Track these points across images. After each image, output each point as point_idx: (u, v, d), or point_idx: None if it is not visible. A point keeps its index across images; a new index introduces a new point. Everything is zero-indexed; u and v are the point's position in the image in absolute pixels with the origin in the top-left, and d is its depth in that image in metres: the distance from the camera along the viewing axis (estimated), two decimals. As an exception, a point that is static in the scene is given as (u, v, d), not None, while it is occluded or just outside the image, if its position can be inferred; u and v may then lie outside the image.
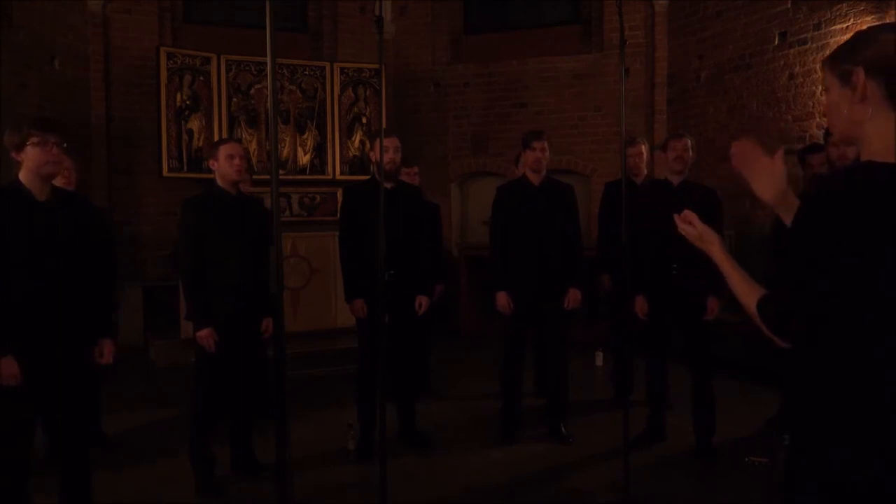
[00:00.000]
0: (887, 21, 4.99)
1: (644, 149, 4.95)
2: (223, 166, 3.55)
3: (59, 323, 2.73)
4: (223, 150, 3.57)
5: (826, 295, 1.28)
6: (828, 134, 4.10)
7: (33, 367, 2.67)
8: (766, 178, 1.58)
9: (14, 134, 2.67)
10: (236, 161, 3.53)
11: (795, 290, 1.33)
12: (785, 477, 1.38)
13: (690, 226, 1.68)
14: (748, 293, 1.44)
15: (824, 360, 1.31)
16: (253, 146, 7.01)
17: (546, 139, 4.24)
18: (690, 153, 4.01)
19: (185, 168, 6.67)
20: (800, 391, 1.37)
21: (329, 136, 7.26)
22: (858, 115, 1.32)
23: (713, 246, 1.62)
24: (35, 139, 2.65)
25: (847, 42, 1.37)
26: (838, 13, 5.42)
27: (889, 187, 1.24)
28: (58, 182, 2.92)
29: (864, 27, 1.37)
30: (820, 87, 5.47)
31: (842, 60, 1.35)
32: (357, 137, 7.38)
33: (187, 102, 6.69)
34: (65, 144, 2.74)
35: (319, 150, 7.27)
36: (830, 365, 1.30)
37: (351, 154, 7.37)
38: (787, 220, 1.52)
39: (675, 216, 1.69)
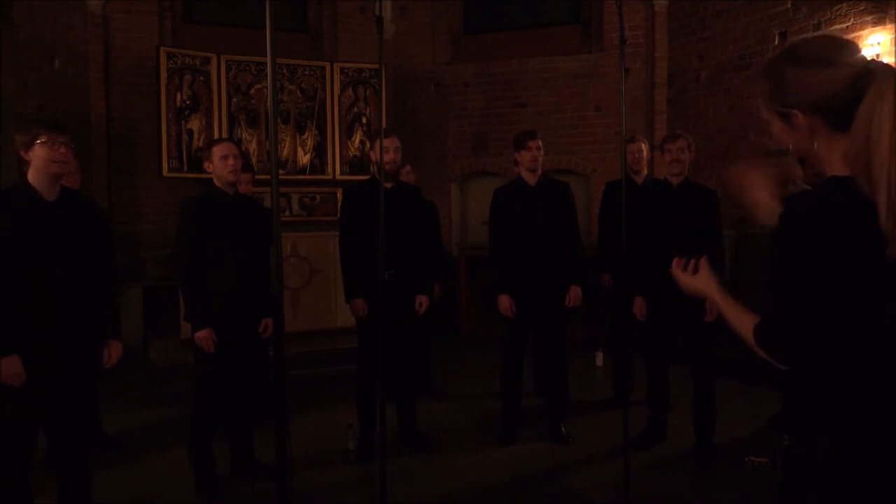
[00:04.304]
0: (886, 21, 4.99)
1: (644, 146, 4.95)
2: (217, 167, 3.55)
3: (63, 323, 2.74)
4: (216, 151, 3.56)
5: (820, 305, 1.30)
6: None
7: (36, 367, 2.68)
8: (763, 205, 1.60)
9: (24, 133, 2.71)
10: (230, 161, 3.53)
11: (792, 313, 1.34)
12: (784, 476, 1.39)
13: (685, 274, 1.69)
14: (744, 324, 1.45)
15: (819, 362, 1.33)
16: (253, 146, 7.01)
17: (539, 137, 4.24)
18: (688, 153, 4.00)
19: (185, 168, 6.67)
20: (798, 393, 1.38)
21: (329, 136, 7.25)
22: (807, 147, 1.37)
23: (709, 287, 1.62)
24: (43, 138, 2.68)
25: (772, 82, 1.37)
26: (838, 13, 5.42)
27: (859, 194, 1.27)
28: (64, 182, 2.94)
29: (779, 54, 1.38)
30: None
31: (773, 101, 1.37)
32: (357, 137, 7.38)
33: (187, 102, 6.68)
34: (73, 145, 2.78)
35: (319, 150, 7.27)
36: (824, 367, 1.32)
37: (351, 154, 7.36)
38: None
39: (674, 266, 1.70)
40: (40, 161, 2.69)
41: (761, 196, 1.61)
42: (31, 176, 2.73)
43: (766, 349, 1.40)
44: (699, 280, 1.63)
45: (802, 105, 1.33)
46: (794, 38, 1.38)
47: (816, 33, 1.33)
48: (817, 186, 1.35)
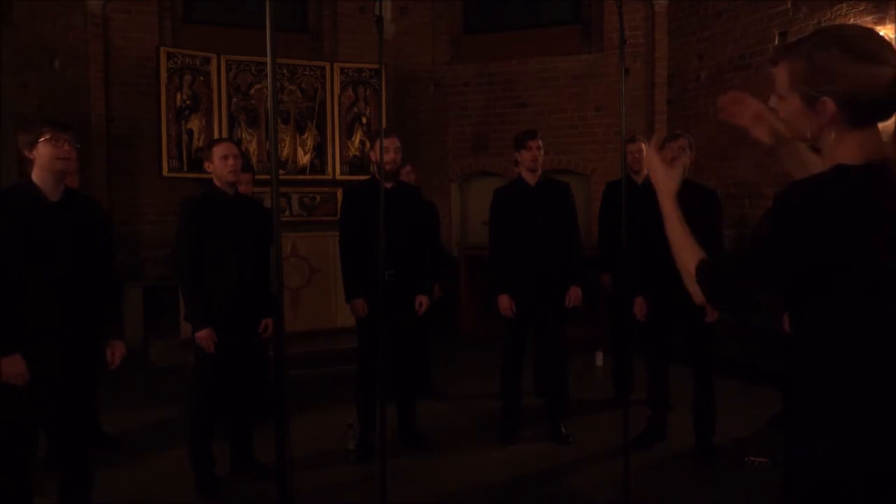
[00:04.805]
0: (886, 21, 4.99)
1: (644, 147, 4.95)
2: (218, 167, 3.55)
3: (63, 323, 2.74)
4: (217, 151, 3.57)
5: (807, 295, 1.30)
6: None
7: (37, 367, 2.68)
8: (759, 122, 1.60)
9: (27, 132, 2.72)
10: (230, 161, 3.53)
11: (756, 284, 1.36)
12: (784, 476, 1.39)
13: (659, 158, 1.67)
14: (689, 252, 1.47)
15: (819, 362, 1.33)
16: (253, 146, 7.01)
17: (539, 137, 4.24)
18: (688, 153, 4.00)
19: (185, 168, 6.66)
20: (798, 393, 1.38)
21: (329, 136, 7.25)
22: (822, 135, 1.36)
23: (668, 186, 1.60)
24: (47, 135, 2.69)
25: (809, 63, 1.34)
26: (838, 13, 5.42)
27: (862, 186, 1.27)
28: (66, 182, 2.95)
29: (826, 38, 1.34)
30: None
31: (805, 83, 1.34)
32: (357, 137, 7.37)
33: (187, 102, 6.68)
34: (77, 144, 2.79)
35: (319, 150, 7.27)
36: (824, 367, 1.32)
37: (351, 154, 7.36)
38: (788, 165, 1.56)
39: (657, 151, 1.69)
40: (45, 159, 2.70)
41: (748, 124, 1.61)
42: (36, 175, 2.73)
43: (704, 290, 1.42)
44: (667, 174, 1.61)
45: (836, 94, 1.31)
46: (838, 24, 1.36)
47: (859, 25, 1.31)
48: (820, 174, 1.34)
